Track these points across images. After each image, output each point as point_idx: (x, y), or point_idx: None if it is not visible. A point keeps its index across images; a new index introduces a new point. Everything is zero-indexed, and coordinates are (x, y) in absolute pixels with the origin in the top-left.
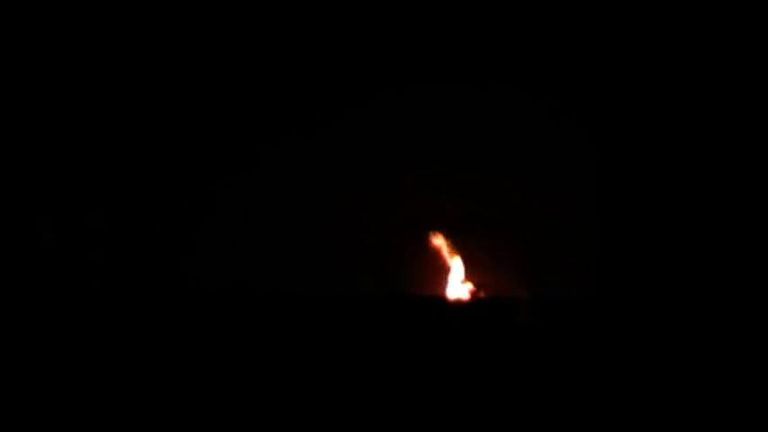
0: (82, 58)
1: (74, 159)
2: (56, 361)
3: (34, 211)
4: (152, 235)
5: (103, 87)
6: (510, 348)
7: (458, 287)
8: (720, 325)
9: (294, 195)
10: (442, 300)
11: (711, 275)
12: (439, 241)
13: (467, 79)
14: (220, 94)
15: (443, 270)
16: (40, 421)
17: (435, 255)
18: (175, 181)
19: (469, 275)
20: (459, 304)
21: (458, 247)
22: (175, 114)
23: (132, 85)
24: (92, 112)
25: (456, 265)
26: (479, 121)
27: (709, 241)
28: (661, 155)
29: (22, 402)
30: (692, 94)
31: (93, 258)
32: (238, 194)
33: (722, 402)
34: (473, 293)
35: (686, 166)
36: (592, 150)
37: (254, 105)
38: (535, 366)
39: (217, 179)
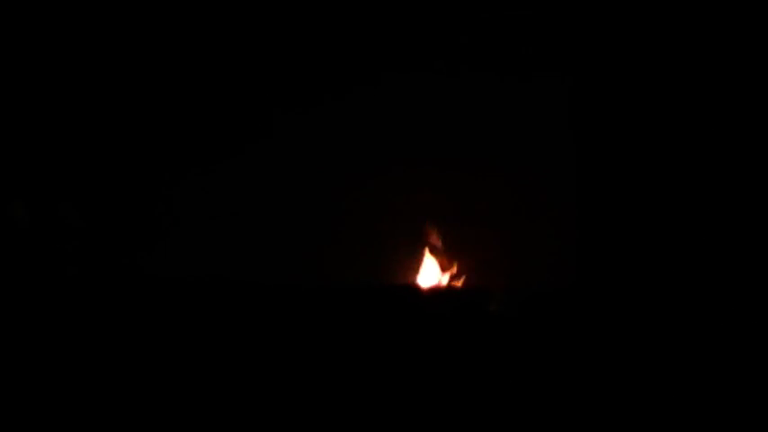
0: (60, 47)
1: (48, 148)
2: (30, 351)
3: (9, 199)
4: (128, 224)
5: (78, 76)
6: (486, 337)
7: (434, 276)
8: (701, 315)
9: (274, 184)
10: (418, 288)
11: (693, 264)
12: (416, 231)
13: (453, 72)
14: (200, 81)
15: (420, 259)
16: (16, 410)
17: (412, 244)
18: (153, 170)
19: (446, 264)
20: (435, 293)
21: (435, 236)
22: (154, 102)
23: (109, 77)
24: (66, 100)
25: (433, 255)
26: (462, 112)
27: (691, 231)
28: (643, 147)
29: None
30: (670, 85)
31: (68, 247)
32: (218, 183)
33: (707, 392)
34: (449, 282)
35: (666, 159)
36: (573, 141)
37: (235, 93)
38: (512, 356)
39: (197, 168)
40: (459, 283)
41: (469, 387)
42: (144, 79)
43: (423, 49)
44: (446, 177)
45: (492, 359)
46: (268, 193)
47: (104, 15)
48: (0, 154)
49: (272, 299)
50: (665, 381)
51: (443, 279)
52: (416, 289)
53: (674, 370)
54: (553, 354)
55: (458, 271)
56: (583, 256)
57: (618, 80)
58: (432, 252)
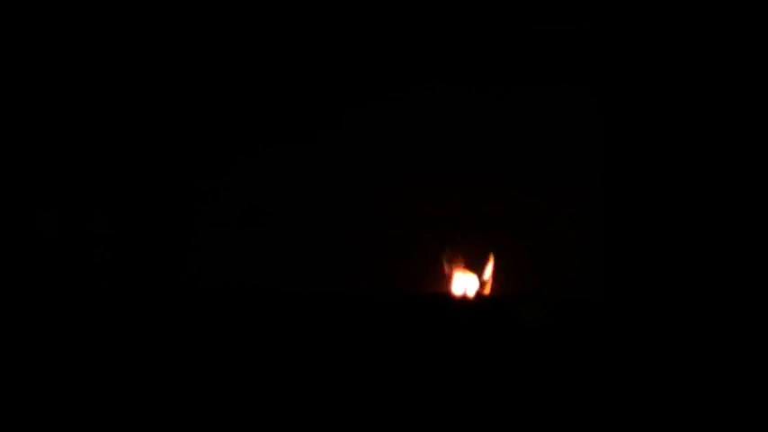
0: (87, 58)
1: (78, 159)
2: (61, 364)
3: (37, 211)
4: (159, 235)
5: (108, 87)
6: (515, 347)
7: (462, 285)
8: (730, 324)
9: (300, 195)
10: (447, 297)
11: (719, 272)
12: (444, 240)
13: (469, 79)
14: (223, 93)
15: (448, 268)
16: (42, 424)
17: (440, 253)
18: (181, 180)
19: (474, 273)
20: (463, 302)
21: (463, 245)
22: (184, 112)
23: (136, 84)
24: (95, 110)
25: (461, 264)
26: (485, 119)
27: (716, 238)
28: (666, 151)
29: (23, 406)
30: (694, 91)
31: (99, 259)
32: (244, 193)
33: (733, 403)
34: (478, 291)
35: (690, 164)
36: (597, 147)
37: (257, 104)
38: (542, 366)
39: (222, 178)
40: (488, 292)
41: (500, 396)
42: (174, 90)
43: (449, 59)
44: (473, 186)
45: (523, 368)
46: (301, 203)
47: (128, 25)
48: (28, 164)
49: (302, 307)
50: (693, 387)
51: (472, 288)
52: (446, 298)
53: (703, 377)
54: (583, 362)
55: (487, 280)
56: (611, 264)
57: (643, 85)
58: (460, 261)
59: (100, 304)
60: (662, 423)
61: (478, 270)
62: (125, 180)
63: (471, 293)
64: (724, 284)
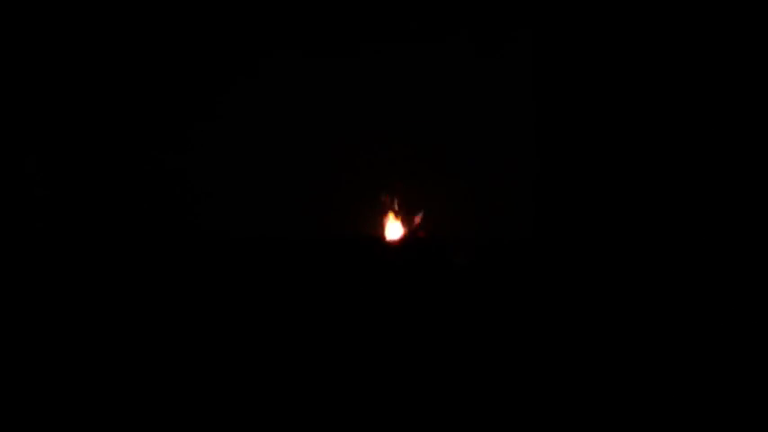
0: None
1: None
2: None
3: None
4: (96, 179)
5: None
6: (446, 287)
7: (395, 227)
8: (653, 268)
9: (245, 144)
10: (380, 239)
11: (645, 219)
12: (377, 184)
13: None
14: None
15: (381, 211)
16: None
17: (373, 196)
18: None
19: (407, 216)
20: (396, 244)
21: (395, 188)
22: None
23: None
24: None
25: (393, 207)
26: (420, 76)
27: (643, 186)
28: (595, 97)
29: None
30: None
31: (35, 199)
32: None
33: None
34: (411, 233)
35: (622, 107)
36: (530, 93)
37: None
38: (472, 306)
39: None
40: (418, 234)
41: (431, 335)
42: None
43: (391, 18)
44: (405, 132)
45: (455, 307)
46: (249, 151)
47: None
48: None
49: (243, 251)
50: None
51: (408, 231)
52: (377, 239)
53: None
54: (510, 302)
55: (421, 223)
56: (542, 209)
57: (578, 49)
58: (396, 206)
59: (36, 245)
60: (586, 358)
61: (412, 215)
62: (65, 121)
63: (405, 236)
64: (650, 232)
